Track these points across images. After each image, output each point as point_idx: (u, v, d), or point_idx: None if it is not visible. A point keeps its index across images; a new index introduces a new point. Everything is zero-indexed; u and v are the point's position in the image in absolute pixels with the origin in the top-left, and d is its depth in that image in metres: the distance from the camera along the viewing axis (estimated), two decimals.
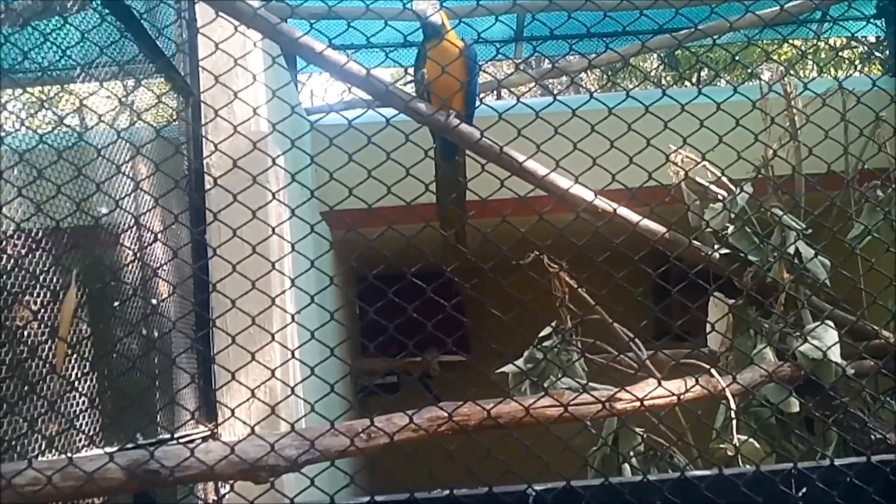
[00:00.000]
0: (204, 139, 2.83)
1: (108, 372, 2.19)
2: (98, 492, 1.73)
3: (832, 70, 7.91)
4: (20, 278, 1.83)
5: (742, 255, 2.90)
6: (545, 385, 2.69)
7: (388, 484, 1.96)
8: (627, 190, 2.11)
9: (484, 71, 3.69)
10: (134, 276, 2.44)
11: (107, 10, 2.27)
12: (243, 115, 2.57)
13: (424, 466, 1.88)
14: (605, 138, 2.03)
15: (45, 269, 1.90)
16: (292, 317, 1.99)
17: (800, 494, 1.86)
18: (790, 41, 5.99)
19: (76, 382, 1.97)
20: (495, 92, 7.61)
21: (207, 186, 2.79)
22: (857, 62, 7.99)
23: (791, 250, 2.85)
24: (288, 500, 1.79)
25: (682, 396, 2.35)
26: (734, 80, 8.39)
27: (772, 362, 2.74)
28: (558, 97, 2.25)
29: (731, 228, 2.97)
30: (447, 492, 1.79)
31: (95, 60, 2.20)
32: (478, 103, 3.02)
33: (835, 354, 2.64)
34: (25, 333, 1.83)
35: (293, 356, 1.99)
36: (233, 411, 2.05)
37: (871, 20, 5.85)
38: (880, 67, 6.75)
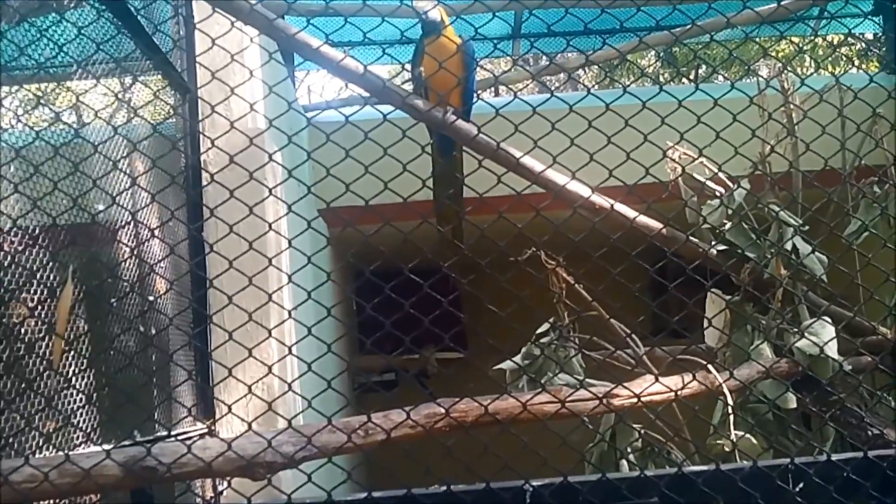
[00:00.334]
0: (201, 135, 2.83)
1: (106, 369, 2.19)
2: (95, 488, 1.73)
3: (830, 66, 7.91)
4: (17, 275, 1.82)
5: (739, 251, 2.90)
6: (542, 381, 2.69)
7: (386, 480, 1.95)
8: (625, 186, 2.11)
9: (482, 68, 3.69)
10: (131, 273, 2.44)
11: (103, 6, 2.27)
12: (240, 111, 2.58)
13: (422, 463, 1.88)
14: (602, 134, 2.03)
15: (42, 265, 1.90)
16: (289, 313, 1.99)
17: (797, 490, 1.86)
18: (788, 37, 5.99)
19: (73, 379, 1.97)
20: (493, 89, 7.60)
21: (204, 183, 2.78)
22: (854, 59, 8.00)
23: (788, 246, 2.85)
24: (285, 496, 1.79)
25: (679, 392, 2.35)
26: (732, 76, 8.39)
27: (769, 358, 2.74)
28: (555, 93, 2.25)
29: (728, 224, 2.98)
30: (444, 488, 1.79)
31: (92, 57, 2.20)
32: (475, 99, 3.02)
33: (832, 350, 2.64)
34: (22, 330, 1.83)
35: (290, 352, 1.99)
36: (230, 408, 2.05)
37: (869, 17, 5.85)
38: (878, 64, 6.76)
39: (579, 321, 2.98)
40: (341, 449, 1.93)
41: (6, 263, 1.79)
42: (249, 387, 1.98)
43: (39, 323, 1.88)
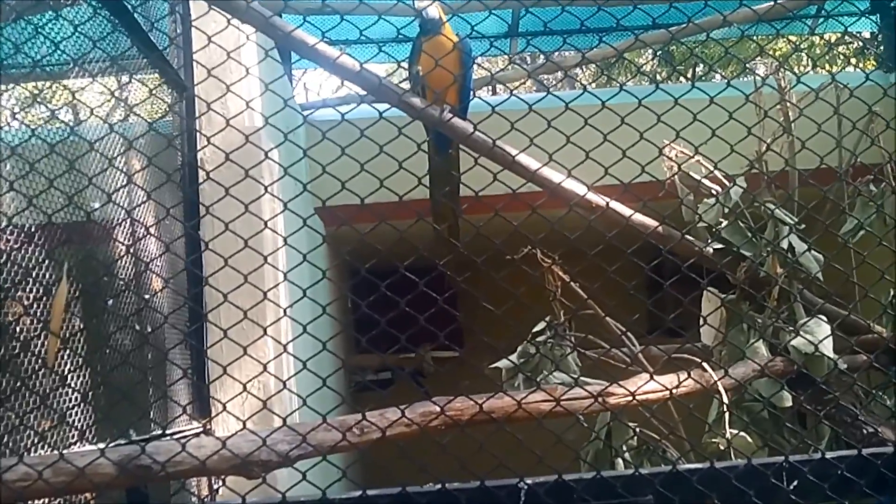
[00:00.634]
0: (197, 133, 2.82)
1: (101, 367, 2.18)
2: (90, 487, 1.73)
3: (826, 65, 7.91)
4: (12, 273, 1.82)
5: (735, 249, 2.90)
6: (538, 379, 2.70)
7: (381, 478, 1.95)
8: (621, 184, 2.11)
9: (478, 65, 3.69)
10: (126, 271, 2.43)
11: (99, 4, 2.26)
12: (236, 108, 2.57)
13: (417, 461, 1.88)
14: (598, 132, 2.03)
15: (37, 263, 1.89)
16: (285, 311, 1.99)
17: (791, 487, 1.86)
18: (785, 36, 6.00)
19: (68, 377, 1.96)
20: (490, 88, 7.60)
21: (200, 180, 2.78)
22: (851, 57, 8.00)
23: (784, 244, 2.85)
24: (280, 494, 1.79)
25: (674, 390, 2.35)
26: (729, 75, 8.39)
27: (764, 356, 2.74)
28: (552, 91, 2.25)
29: (724, 223, 2.98)
30: (439, 486, 1.79)
31: (88, 54, 2.20)
32: (472, 97, 3.02)
33: (827, 349, 2.65)
34: (17, 328, 1.83)
35: (286, 350, 1.99)
36: (224, 406, 2.04)
37: (866, 15, 5.85)
38: (874, 62, 6.76)
39: (575, 319, 2.98)
40: (336, 447, 1.93)
41: (1, 261, 1.79)
42: (245, 385, 1.98)
43: (34, 321, 1.88)
